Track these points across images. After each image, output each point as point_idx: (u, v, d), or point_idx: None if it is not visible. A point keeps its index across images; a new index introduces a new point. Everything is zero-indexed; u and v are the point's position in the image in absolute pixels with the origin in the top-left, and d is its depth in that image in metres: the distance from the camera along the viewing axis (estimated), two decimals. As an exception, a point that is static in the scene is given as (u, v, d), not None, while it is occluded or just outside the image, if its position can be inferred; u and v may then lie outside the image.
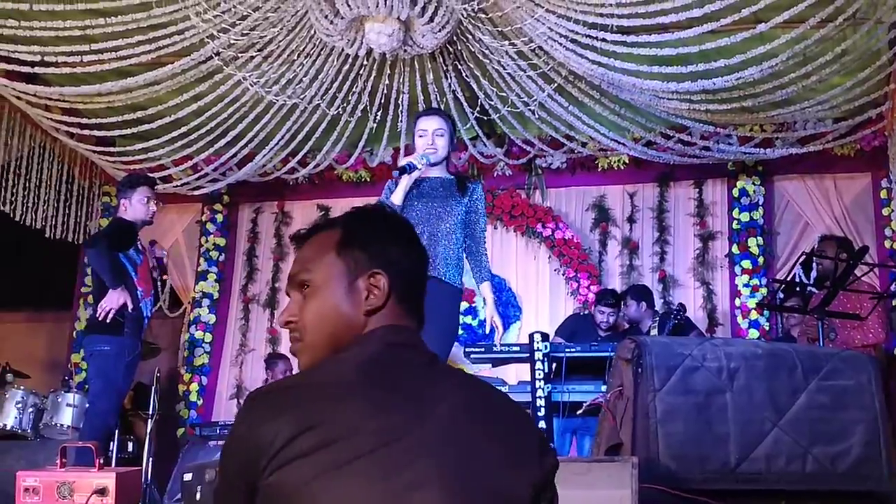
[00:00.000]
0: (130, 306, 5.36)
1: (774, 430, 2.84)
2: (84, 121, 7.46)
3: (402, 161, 4.41)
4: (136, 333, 5.51)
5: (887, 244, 7.50)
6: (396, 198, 4.26)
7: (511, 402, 1.67)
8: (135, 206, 5.64)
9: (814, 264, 7.75)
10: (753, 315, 7.64)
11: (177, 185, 8.37)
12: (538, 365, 6.14)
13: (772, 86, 6.05)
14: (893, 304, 6.83)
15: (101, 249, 5.37)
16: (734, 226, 7.95)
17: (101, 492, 3.33)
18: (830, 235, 6.83)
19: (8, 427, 6.65)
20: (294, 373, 7.72)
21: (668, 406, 2.85)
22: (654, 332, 6.90)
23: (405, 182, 4.27)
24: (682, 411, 2.85)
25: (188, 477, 3.48)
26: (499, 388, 1.79)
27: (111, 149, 8.13)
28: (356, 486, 1.39)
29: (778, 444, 2.83)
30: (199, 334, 8.79)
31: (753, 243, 7.81)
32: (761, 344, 2.99)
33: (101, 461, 3.45)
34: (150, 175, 6.41)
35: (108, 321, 5.30)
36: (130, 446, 7.19)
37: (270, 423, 1.43)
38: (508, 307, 8.34)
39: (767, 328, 7.58)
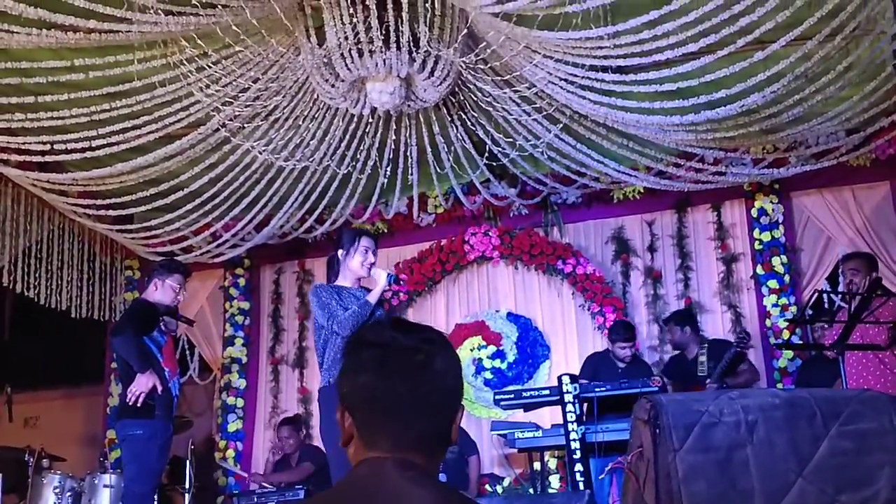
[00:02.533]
0: (160, 388, 5.41)
1: (799, 480, 2.78)
2: (100, 201, 7.54)
3: (384, 273, 5.08)
4: (168, 414, 5.56)
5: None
6: (373, 298, 4.92)
7: None
8: (166, 290, 5.74)
9: (840, 279, 7.71)
10: (786, 334, 7.55)
11: (197, 255, 8.43)
12: (569, 407, 6.11)
13: (777, 109, 6.00)
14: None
15: (128, 336, 5.45)
16: (756, 246, 7.89)
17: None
18: (855, 253, 6.73)
19: (48, 513, 6.68)
20: (300, 441, 7.72)
21: (689, 465, 2.80)
22: (703, 358, 6.82)
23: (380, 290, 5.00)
24: (704, 469, 2.80)
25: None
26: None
27: (129, 225, 8.21)
28: None
29: (804, 495, 2.77)
30: (231, 400, 8.82)
31: (778, 262, 7.75)
32: (778, 393, 2.94)
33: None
34: (179, 259, 6.50)
35: (138, 405, 5.35)
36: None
37: None
38: (536, 346, 8.31)
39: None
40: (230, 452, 8.65)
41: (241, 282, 9.11)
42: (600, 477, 6.56)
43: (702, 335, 7.31)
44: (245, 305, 9.08)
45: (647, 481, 2.95)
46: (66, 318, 8.45)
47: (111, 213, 7.65)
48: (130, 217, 8.20)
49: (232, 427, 8.72)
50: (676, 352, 7.29)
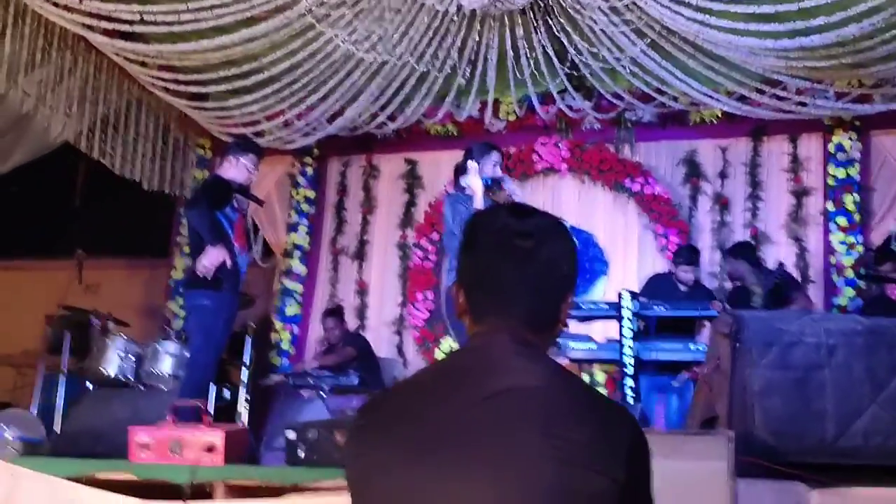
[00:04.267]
0: (229, 262, 5.51)
1: (872, 406, 2.84)
2: (180, 76, 7.62)
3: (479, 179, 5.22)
4: (235, 288, 5.68)
5: None
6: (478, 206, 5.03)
7: (597, 397, 1.70)
8: (240, 168, 5.79)
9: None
10: (849, 273, 7.50)
11: (268, 140, 8.50)
12: (626, 323, 6.17)
13: (873, 42, 5.87)
14: None
15: (202, 209, 5.53)
16: (829, 182, 7.78)
17: (210, 449, 3.47)
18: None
19: (111, 375, 6.89)
20: (345, 330, 7.89)
21: (765, 381, 2.86)
22: (758, 290, 6.78)
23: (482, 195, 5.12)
24: (780, 386, 2.86)
25: (292, 436, 3.61)
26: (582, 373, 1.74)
27: (205, 103, 8.29)
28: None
29: (876, 421, 2.83)
30: (290, 284, 8.98)
31: (849, 200, 7.65)
32: (861, 320, 2.97)
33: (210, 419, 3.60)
34: (251, 137, 6.57)
35: (208, 277, 5.47)
36: (226, 393, 7.43)
37: None
38: (595, 262, 8.33)
39: (863, 286, 7.44)
40: (286, 335, 8.85)
41: (309, 171, 9.18)
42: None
43: (760, 269, 7.21)
44: (311, 194, 9.17)
45: (720, 393, 3.01)
46: (135, 190, 8.61)
47: (190, 89, 7.72)
48: (206, 96, 8.26)
49: (290, 310, 8.90)
50: (738, 283, 7.26)
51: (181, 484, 3.17)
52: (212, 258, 5.44)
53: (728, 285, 7.57)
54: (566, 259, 1.73)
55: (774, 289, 6.63)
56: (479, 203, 4.97)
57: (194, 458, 3.35)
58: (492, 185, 5.18)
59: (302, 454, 3.53)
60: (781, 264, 6.87)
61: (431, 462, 1.51)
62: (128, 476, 3.46)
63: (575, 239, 1.79)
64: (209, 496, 3.32)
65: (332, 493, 3.17)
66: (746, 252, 7.13)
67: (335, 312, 8.29)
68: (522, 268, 1.66)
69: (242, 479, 3.35)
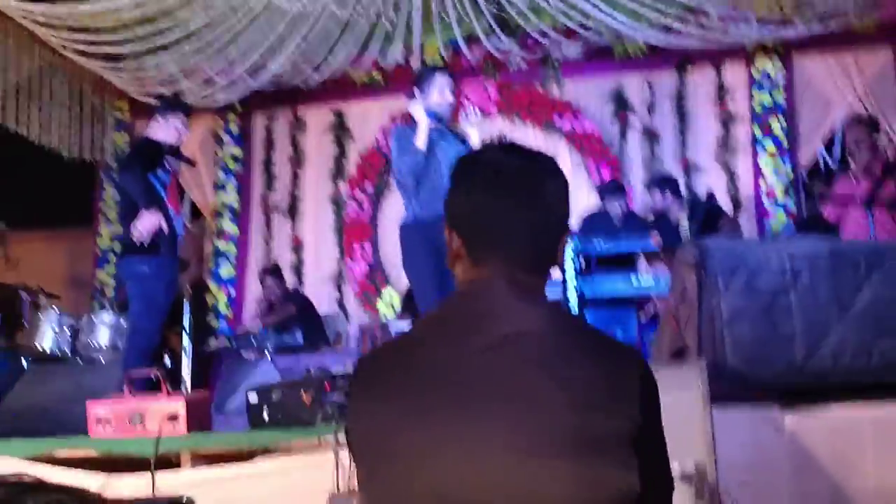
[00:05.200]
0: (165, 227, 5.37)
1: (839, 326, 2.86)
2: (93, 37, 7.34)
3: (419, 112, 4.76)
4: (173, 252, 5.54)
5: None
6: (422, 142, 4.67)
7: (603, 338, 1.67)
8: (169, 128, 5.62)
9: (836, 144, 7.76)
10: (780, 198, 7.62)
11: (190, 99, 8.25)
12: (568, 262, 6.18)
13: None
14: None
15: (135, 172, 5.36)
16: (756, 108, 7.87)
17: (173, 417, 3.38)
18: (857, 117, 6.74)
19: (47, 349, 6.71)
20: (285, 289, 7.74)
21: (733, 309, 2.87)
22: (685, 223, 6.84)
23: (426, 127, 4.69)
24: (748, 313, 2.87)
25: (254, 398, 3.53)
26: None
27: (121, 64, 8.02)
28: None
29: (843, 341, 2.85)
30: (223, 245, 8.82)
31: (776, 125, 7.75)
32: (824, 243, 3.00)
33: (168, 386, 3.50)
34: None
35: (144, 242, 5.32)
36: (167, 361, 7.28)
37: None
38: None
39: (795, 211, 7.59)
40: (222, 297, 8.70)
41: (234, 128, 8.98)
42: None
43: (682, 199, 7.23)
44: (237, 151, 8.98)
45: (688, 324, 3.02)
46: (49, 158, 8.32)
47: (104, 49, 7.45)
48: (122, 56, 7.98)
49: (224, 272, 8.75)
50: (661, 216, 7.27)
51: (147, 456, 3.08)
52: (147, 223, 5.29)
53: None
54: (564, 198, 1.69)
55: (705, 219, 6.65)
56: (420, 137, 4.67)
57: (157, 428, 3.25)
58: (439, 118, 4.79)
59: (266, 416, 3.46)
60: (711, 194, 6.92)
61: (440, 415, 1.47)
62: (89, 452, 3.36)
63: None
64: (176, 466, 3.24)
65: (305, 453, 3.12)
66: (671, 184, 7.13)
67: (274, 271, 8.18)
68: (525, 207, 1.60)
69: (210, 447, 3.27)
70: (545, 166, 1.68)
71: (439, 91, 4.82)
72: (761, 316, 2.88)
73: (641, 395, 1.49)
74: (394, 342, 1.70)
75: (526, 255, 1.62)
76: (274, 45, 7.67)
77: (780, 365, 2.87)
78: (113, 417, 3.43)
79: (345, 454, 3.07)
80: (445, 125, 4.89)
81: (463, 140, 4.92)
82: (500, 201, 1.61)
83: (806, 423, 2.83)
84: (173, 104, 5.88)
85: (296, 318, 7.69)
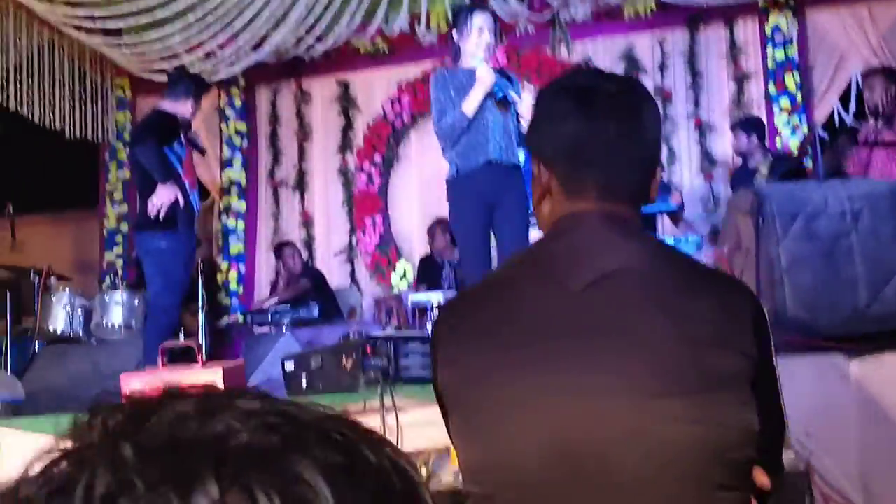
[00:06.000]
0: (182, 201, 5.26)
1: (904, 268, 2.78)
2: (93, 12, 7.19)
3: (491, 80, 4.36)
4: (190, 227, 5.44)
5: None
6: (470, 108, 4.34)
7: (711, 272, 1.57)
8: (184, 103, 5.52)
9: (852, 98, 7.64)
10: (796, 154, 7.51)
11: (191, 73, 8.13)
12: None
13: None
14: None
15: (150, 146, 5.24)
16: (769, 64, 7.74)
17: (210, 389, 3.29)
18: (876, 68, 6.61)
19: (59, 331, 6.61)
20: (302, 260, 7.68)
21: (793, 255, 2.78)
22: (764, 170, 6.58)
23: (480, 98, 4.33)
24: (809, 259, 2.78)
25: (290, 366, 3.44)
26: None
27: (122, 39, 7.87)
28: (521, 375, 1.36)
29: (909, 283, 2.77)
30: (231, 222, 8.71)
31: (790, 80, 7.63)
32: (881, 182, 2.89)
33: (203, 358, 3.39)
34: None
35: (160, 217, 5.21)
36: (181, 338, 7.18)
37: None
38: (542, 168, 8.20)
39: (811, 166, 7.47)
40: (232, 274, 8.60)
41: (237, 102, 8.83)
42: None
43: (767, 149, 7.00)
44: (242, 126, 8.84)
45: (745, 273, 2.92)
46: (51, 140, 8.19)
47: (106, 24, 7.31)
48: (122, 31, 7.84)
49: (233, 249, 8.64)
50: (739, 160, 7.08)
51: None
52: (164, 196, 5.18)
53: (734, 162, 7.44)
54: (659, 126, 1.58)
55: (787, 175, 6.40)
56: (471, 101, 4.32)
57: (194, 400, 3.15)
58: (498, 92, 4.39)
59: (304, 384, 3.36)
60: (802, 154, 6.71)
61: (543, 358, 1.37)
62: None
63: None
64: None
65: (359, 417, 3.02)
66: (758, 128, 6.90)
67: (290, 243, 8.07)
68: (624, 133, 1.49)
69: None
70: (641, 91, 1.57)
71: (479, 32, 4.51)
72: (822, 261, 2.79)
73: (756, 331, 1.39)
74: (481, 284, 1.59)
75: (623, 186, 1.51)
76: (277, 16, 7.51)
77: (844, 311, 2.78)
78: (150, 391, 3.32)
79: (391, 417, 2.99)
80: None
81: (510, 79, 4.63)
82: (596, 126, 1.49)
83: (873, 370, 2.74)
84: (191, 78, 5.80)
85: (311, 292, 7.59)
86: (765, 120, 7.72)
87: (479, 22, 4.52)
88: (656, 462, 1.28)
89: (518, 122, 4.50)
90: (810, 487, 2.12)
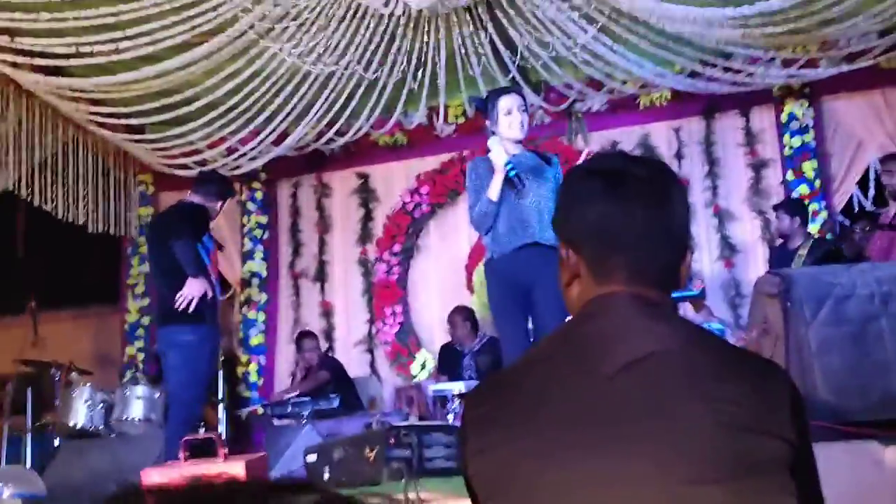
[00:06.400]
0: (210, 294, 5.30)
1: (936, 351, 2.73)
2: (117, 110, 7.33)
3: (496, 158, 4.44)
4: (215, 320, 5.47)
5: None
6: (494, 193, 4.40)
7: (744, 353, 1.55)
8: (212, 202, 5.67)
9: (871, 183, 7.65)
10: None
11: (213, 168, 8.24)
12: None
13: (829, 2, 5.86)
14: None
15: (188, 240, 5.33)
16: (786, 152, 7.76)
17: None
18: (892, 154, 6.63)
19: (79, 425, 6.58)
20: (321, 351, 7.69)
21: (822, 338, 2.74)
22: (804, 252, 6.57)
23: (500, 179, 4.39)
24: (838, 342, 2.74)
25: (312, 458, 3.39)
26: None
27: (144, 136, 8.01)
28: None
29: (941, 366, 2.72)
30: (252, 314, 8.72)
31: (808, 167, 7.64)
32: (909, 265, 2.88)
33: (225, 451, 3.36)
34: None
35: (189, 310, 5.24)
36: (202, 432, 7.14)
37: None
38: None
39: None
40: (253, 366, 8.57)
41: (259, 195, 8.92)
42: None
43: (809, 232, 6.99)
44: (263, 219, 8.92)
45: (774, 357, 2.88)
46: (78, 236, 8.29)
47: (129, 121, 7.45)
48: (144, 128, 7.99)
49: (254, 341, 8.63)
50: (780, 241, 7.08)
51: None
52: (193, 290, 5.23)
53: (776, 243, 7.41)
54: (686, 206, 1.57)
55: (824, 258, 6.34)
56: (494, 187, 4.38)
57: (216, 494, 3.10)
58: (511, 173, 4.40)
59: (327, 475, 3.32)
60: (840, 236, 6.70)
61: (576, 444, 1.34)
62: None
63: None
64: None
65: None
66: (802, 211, 6.92)
67: (310, 334, 8.06)
68: (653, 212, 1.48)
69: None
70: (670, 175, 1.57)
71: (507, 114, 4.56)
72: (852, 344, 2.75)
73: (793, 414, 1.37)
74: (510, 370, 1.57)
75: (653, 269, 1.49)
76: (299, 111, 7.64)
77: (875, 396, 2.73)
78: (171, 485, 3.28)
79: (417, 511, 2.93)
80: (524, 150, 4.71)
81: (548, 160, 4.71)
82: (625, 209, 1.48)
83: (909, 456, 2.68)
84: (221, 181, 5.96)
85: (329, 382, 7.56)
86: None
87: (506, 104, 4.59)
88: None
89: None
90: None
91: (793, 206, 6.98)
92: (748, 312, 3.06)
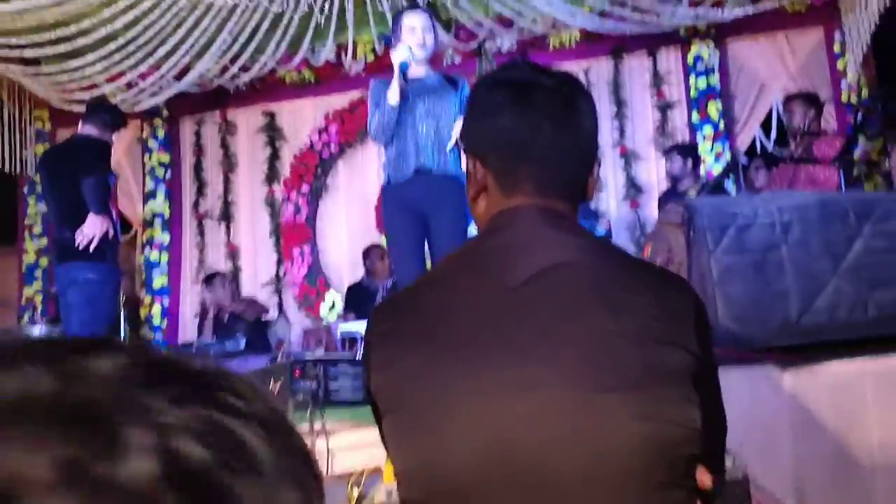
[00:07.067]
0: (112, 233, 5.13)
1: (833, 279, 2.78)
2: (8, 40, 7.00)
3: (394, 59, 4.33)
4: (117, 259, 5.31)
5: (844, 97, 7.49)
6: (393, 97, 4.26)
7: (650, 266, 1.54)
8: (106, 133, 5.45)
9: (773, 124, 7.80)
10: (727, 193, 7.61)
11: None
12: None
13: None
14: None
15: (101, 176, 5.15)
16: (692, 93, 7.86)
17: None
18: (796, 94, 6.75)
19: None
20: (233, 290, 7.52)
21: (724, 267, 2.77)
22: (693, 193, 6.53)
23: (398, 81, 4.25)
24: (740, 271, 2.77)
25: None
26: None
27: (41, 68, 7.68)
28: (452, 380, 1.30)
29: (839, 293, 2.77)
30: (154, 255, 8.51)
31: (713, 109, 7.75)
32: (810, 194, 2.92)
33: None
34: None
35: (89, 249, 5.08)
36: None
37: None
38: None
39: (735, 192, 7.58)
40: (156, 309, 8.40)
41: (160, 133, 8.68)
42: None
43: (699, 175, 7.17)
44: (165, 158, 8.68)
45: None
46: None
47: (24, 53, 7.13)
48: (41, 61, 7.65)
49: (157, 283, 8.44)
50: (669, 185, 7.19)
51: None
52: (96, 227, 5.05)
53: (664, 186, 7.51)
54: (594, 116, 1.54)
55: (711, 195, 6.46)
56: (392, 91, 4.24)
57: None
58: (407, 70, 4.29)
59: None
60: (726, 170, 6.83)
61: (481, 357, 1.31)
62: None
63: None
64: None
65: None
66: (691, 153, 7.03)
67: (219, 275, 7.91)
68: (560, 127, 1.45)
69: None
70: (577, 85, 1.53)
71: (411, 32, 4.42)
72: (753, 273, 2.79)
73: (697, 326, 1.36)
74: (414, 285, 1.53)
75: (560, 181, 1.47)
76: (201, 45, 7.41)
77: (775, 323, 2.78)
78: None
79: (322, 442, 2.90)
80: (430, 70, 4.57)
81: (455, 83, 4.53)
82: (531, 120, 1.45)
83: (805, 381, 2.74)
84: (110, 110, 5.73)
85: (249, 323, 7.45)
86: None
87: (411, 22, 4.47)
88: (597, 459, 1.23)
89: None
90: (748, 495, 2.09)
91: (686, 150, 7.10)
92: (652, 244, 3.08)
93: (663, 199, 7.05)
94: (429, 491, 1.31)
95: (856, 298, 2.78)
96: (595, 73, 8.15)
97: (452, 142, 4.32)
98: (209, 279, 7.85)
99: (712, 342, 1.41)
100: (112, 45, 7.16)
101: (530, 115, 1.44)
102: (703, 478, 1.37)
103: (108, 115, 5.65)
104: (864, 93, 7.27)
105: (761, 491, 2.29)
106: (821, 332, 2.77)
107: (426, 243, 4.42)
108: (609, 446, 1.24)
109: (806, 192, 3.08)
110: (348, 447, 2.84)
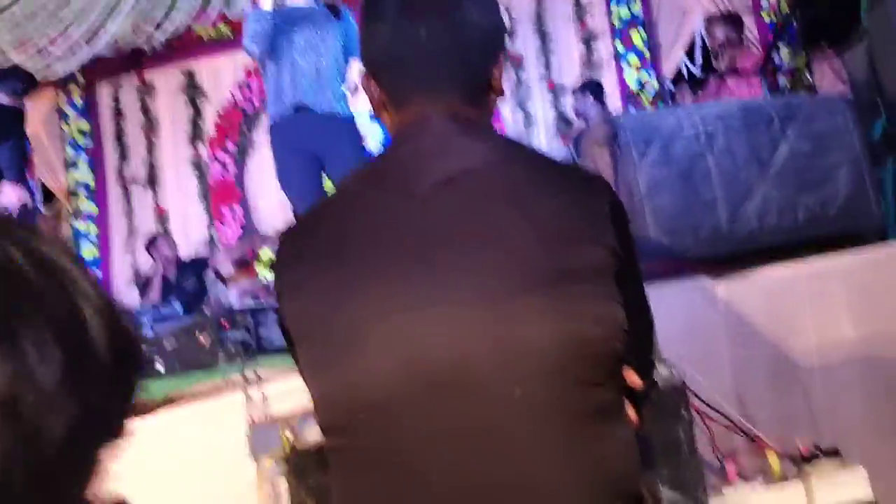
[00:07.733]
0: (30, 203, 4.96)
1: (761, 185, 2.76)
2: None
3: None
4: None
5: (765, 17, 7.50)
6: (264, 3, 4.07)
7: (564, 166, 1.48)
8: (17, 100, 5.24)
9: (696, 49, 7.80)
10: (648, 109, 7.61)
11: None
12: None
13: None
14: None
15: (17, 142, 4.95)
16: (615, 23, 7.81)
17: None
18: (717, 15, 6.73)
19: None
20: (174, 252, 7.35)
21: (651, 179, 2.72)
22: None
23: None
24: (667, 183, 2.73)
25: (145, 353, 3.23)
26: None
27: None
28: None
29: (766, 199, 2.75)
30: (82, 226, 8.30)
31: (637, 37, 7.72)
32: (734, 102, 2.88)
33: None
34: None
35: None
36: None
37: None
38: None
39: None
40: (88, 280, 8.19)
41: (78, 100, 8.43)
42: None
43: (608, 110, 7.00)
44: (84, 125, 8.43)
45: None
46: None
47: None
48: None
49: (87, 254, 8.23)
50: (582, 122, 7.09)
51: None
52: (13, 196, 4.87)
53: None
54: (489, 12, 1.45)
55: None
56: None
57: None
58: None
59: (162, 368, 3.16)
60: (653, 103, 6.84)
61: (392, 270, 1.24)
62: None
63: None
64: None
65: (212, 397, 2.85)
66: (601, 93, 6.96)
67: (161, 237, 7.69)
68: (442, 31, 1.36)
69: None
70: None
71: None
72: (680, 184, 2.75)
73: (615, 222, 1.30)
74: (320, 204, 1.46)
75: (456, 84, 1.38)
76: (111, 5, 7.16)
77: (705, 232, 2.75)
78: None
79: (255, 390, 2.83)
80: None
81: (337, 13, 4.29)
82: (413, 28, 1.36)
83: (739, 289, 2.72)
84: (19, 75, 5.54)
85: (193, 286, 7.30)
86: (616, 78, 7.82)
87: None
88: (517, 360, 1.18)
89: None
90: (687, 402, 2.07)
91: (585, 85, 7.05)
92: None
93: (576, 141, 7.02)
94: (348, 414, 1.25)
95: (784, 203, 2.76)
96: (517, 7, 8.05)
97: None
98: (152, 242, 7.64)
99: (632, 238, 1.36)
100: (16, 10, 6.88)
101: (409, 21, 1.36)
102: (632, 378, 1.33)
103: (19, 80, 5.45)
104: (783, 6, 7.27)
105: (701, 400, 2.27)
106: (752, 238, 2.75)
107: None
108: (529, 347, 1.18)
109: (730, 101, 3.04)
110: (283, 394, 2.77)
